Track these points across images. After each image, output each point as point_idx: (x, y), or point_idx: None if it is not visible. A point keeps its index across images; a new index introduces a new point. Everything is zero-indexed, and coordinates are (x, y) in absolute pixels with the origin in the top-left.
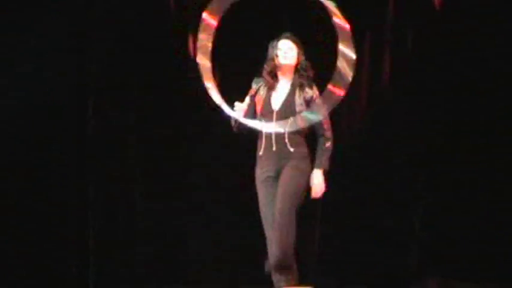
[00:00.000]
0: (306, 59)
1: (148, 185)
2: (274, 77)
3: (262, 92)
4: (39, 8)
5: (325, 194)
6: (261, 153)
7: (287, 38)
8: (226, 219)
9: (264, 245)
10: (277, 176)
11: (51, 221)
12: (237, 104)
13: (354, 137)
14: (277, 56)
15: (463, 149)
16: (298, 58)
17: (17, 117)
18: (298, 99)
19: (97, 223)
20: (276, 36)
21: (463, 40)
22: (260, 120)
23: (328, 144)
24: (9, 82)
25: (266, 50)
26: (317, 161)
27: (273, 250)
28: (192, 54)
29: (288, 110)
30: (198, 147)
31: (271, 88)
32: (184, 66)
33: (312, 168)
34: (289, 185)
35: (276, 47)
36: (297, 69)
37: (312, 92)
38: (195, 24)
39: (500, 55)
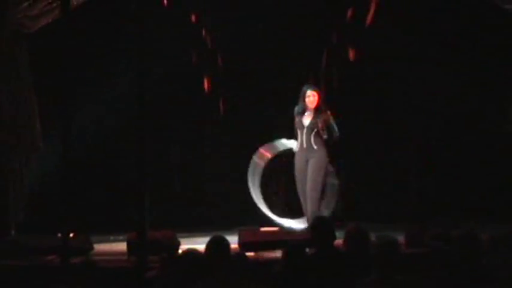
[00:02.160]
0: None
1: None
2: (304, 108)
3: (297, 118)
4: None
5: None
6: (297, 149)
7: (312, 89)
8: None
9: None
10: (306, 163)
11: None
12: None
13: None
14: (306, 100)
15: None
16: (318, 100)
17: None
18: (318, 120)
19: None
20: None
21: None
22: (296, 130)
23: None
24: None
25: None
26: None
27: (308, 211)
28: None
29: (312, 127)
30: None
31: (302, 114)
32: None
33: (328, 157)
34: (315, 171)
35: (305, 93)
36: (317, 105)
37: (326, 115)
38: None
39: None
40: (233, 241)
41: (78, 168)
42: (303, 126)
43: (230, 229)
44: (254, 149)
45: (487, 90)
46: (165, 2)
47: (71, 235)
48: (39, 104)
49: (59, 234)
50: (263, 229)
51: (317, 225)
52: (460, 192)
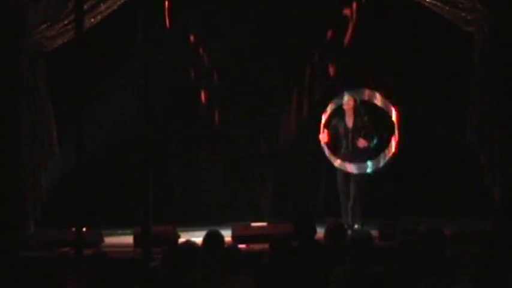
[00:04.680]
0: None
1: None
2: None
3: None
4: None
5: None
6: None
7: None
8: None
9: None
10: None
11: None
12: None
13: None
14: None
15: None
16: (354, 104)
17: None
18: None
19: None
20: None
21: None
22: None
23: None
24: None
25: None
26: None
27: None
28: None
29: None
30: None
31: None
32: None
33: None
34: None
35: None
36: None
37: (366, 120)
38: None
39: None
40: (227, 234)
41: (90, 170)
42: (346, 128)
43: (224, 224)
44: (245, 155)
45: (452, 105)
46: (167, 23)
47: (84, 229)
48: (55, 114)
49: (73, 229)
50: (253, 224)
51: (300, 220)
52: (427, 193)
